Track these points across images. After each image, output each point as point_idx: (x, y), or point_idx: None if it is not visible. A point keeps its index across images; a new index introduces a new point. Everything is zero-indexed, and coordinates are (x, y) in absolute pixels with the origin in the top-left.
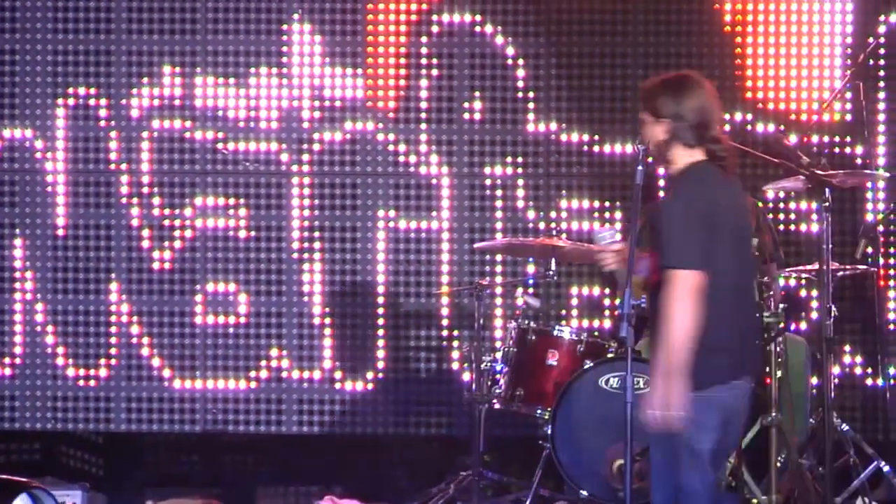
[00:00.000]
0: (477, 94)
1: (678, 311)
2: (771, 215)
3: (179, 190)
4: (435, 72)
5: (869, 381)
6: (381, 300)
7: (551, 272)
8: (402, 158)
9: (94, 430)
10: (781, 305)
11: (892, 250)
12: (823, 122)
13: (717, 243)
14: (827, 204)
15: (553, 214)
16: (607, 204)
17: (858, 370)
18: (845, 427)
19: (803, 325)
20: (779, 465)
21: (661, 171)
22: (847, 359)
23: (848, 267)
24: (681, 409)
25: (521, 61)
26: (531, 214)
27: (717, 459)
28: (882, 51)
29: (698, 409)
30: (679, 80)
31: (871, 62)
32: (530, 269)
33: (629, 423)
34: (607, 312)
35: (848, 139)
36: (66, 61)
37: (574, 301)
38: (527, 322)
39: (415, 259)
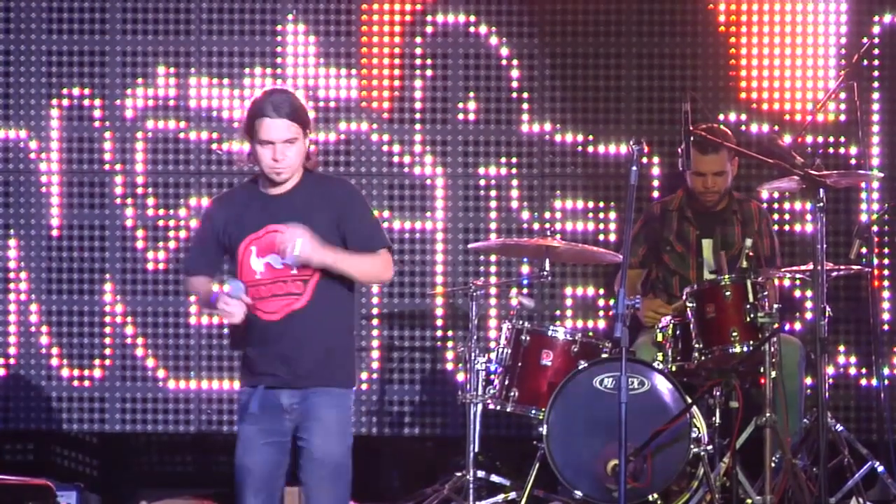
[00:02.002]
0: (471, 94)
1: (385, 275)
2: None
3: (174, 190)
4: (429, 72)
5: (863, 382)
6: (375, 300)
7: (545, 272)
8: (396, 159)
9: (89, 430)
10: (776, 305)
11: (886, 250)
12: (818, 122)
13: None
14: (821, 204)
15: (547, 215)
16: (601, 204)
17: (853, 370)
18: (840, 427)
19: (798, 326)
20: (773, 465)
21: (654, 171)
22: (841, 359)
23: (842, 267)
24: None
25: (515, 62)
26: (525, 215)
27: None
28: (876, 51)
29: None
30: (283, 92)
31: (865, 62)
32: (524, 269)
33: (624, 423)
34: (601, 313)
35: (842, 139)
36: (60, 62)
37: (568, 301)
38: (521, 322)
39: (409, 259)
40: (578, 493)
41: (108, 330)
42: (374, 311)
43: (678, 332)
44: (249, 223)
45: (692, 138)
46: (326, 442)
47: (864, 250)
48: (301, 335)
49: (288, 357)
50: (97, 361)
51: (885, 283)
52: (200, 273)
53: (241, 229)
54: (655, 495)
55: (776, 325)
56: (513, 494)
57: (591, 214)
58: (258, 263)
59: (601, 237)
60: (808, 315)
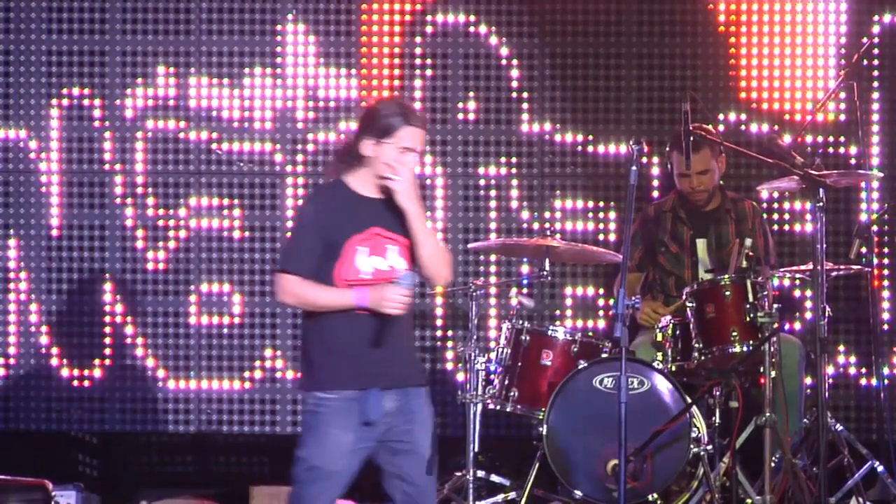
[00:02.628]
0: (471, 94)
1: (447, 268)
2: (765, 215)
3: (174, 190)
4: (429, 72)
5: (863, 381)
6: None
7: (545, 272)
8: None
9: (89, 430)
10: (775, 305)
11: (886, 250)
12: (817, 122)
13: None
14: (821, 204)
15: (547, 214)
16: (601, 204)
17: (853, 370)
18: (839, 427)
19: (797, 325)
20: (773, 465)
21: (654, 171)
22: (841, 359)
23: (842, 267)
24: None
25: (514, 61)
26: (525, 214)
27: None
28: (876, 51)
29: None
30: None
31: (865, 62)
32: (524, 269)
33: (623, 423)
34: (601, 312)
35: (842, 139)
36: (60, 62)
37: (568, 301)
38: (521, 322)
39: None
40: (578, 493)
41: (107, 330)
42: None
43: (678, 332)
44: (354, 223)
45: (676, 140)
46: (431, 442)
47: (863, 250)
48: (403, 335)
49: (395, 357)
50: (97, 361)
51: (885, 282)
52: (305, 274)
53: (347, 228)
54: (655, 495)
55: (776, 325)
56: (513, 494)
57: (590, 214)
58: (366, 263)
59: (601, 237)
60: (808, 315)
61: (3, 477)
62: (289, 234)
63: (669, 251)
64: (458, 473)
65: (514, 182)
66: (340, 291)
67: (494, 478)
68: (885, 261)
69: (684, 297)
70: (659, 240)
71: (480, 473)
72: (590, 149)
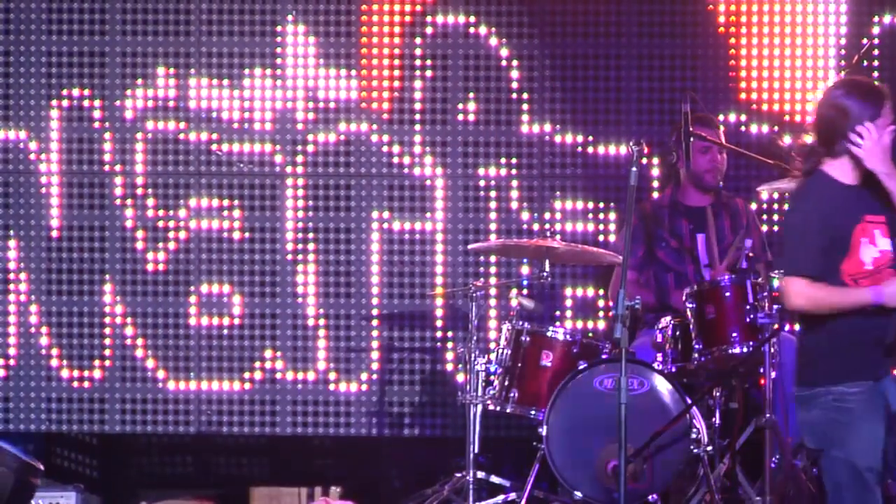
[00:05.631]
0: (471, 95)
1: None
2: (765, 216)
3: (174, 191)
4: (429, 73)
5: None
6: (374, 301)
7: (545, 273)
8: (395, 160)
9: (89, 431)
10: (775, 306)
11: None
12: None
13: None
14: None
15: (547, 215)
16: (601, 205)
17: None
18: None
19: (798, 326)
20: (772, 466)
21: (654, 172)
22: None
23: None
24: None
25: (515, 62)
26: (525, 215)
27: None
28: (876, 52)
29: None
30: None
31: (865, 63)
32: (524, 270)
33: (623, 424)
34: (601, 313)
35: None
36: (59, 62)
37: (568, 302)
38: (521, 323)
39: (409, 260)
40: (578, 494)
41: (107, 331)
42: (374, 311)
43: (678, 333)
44: (852, 215)
45: (692, 139)
46: None
47: None
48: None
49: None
50: (97, 362)
51: None
52: (815, 275)
53: (849, 221)
54: (655, 496)
55: (776, 326)
56: (513, 495)
57: (590, 215)
58: (867, 254)
59: (601, 238)
60: None
61: None
62: (787, 236)
63: (670, 246)
64: (459, 474)
65: (514, 183)
66: (856, 291)
67: (494, 479)
68: None
69: (684, 298)
70: (658, 235)
71: (480, 474)
72: (590, 150)
